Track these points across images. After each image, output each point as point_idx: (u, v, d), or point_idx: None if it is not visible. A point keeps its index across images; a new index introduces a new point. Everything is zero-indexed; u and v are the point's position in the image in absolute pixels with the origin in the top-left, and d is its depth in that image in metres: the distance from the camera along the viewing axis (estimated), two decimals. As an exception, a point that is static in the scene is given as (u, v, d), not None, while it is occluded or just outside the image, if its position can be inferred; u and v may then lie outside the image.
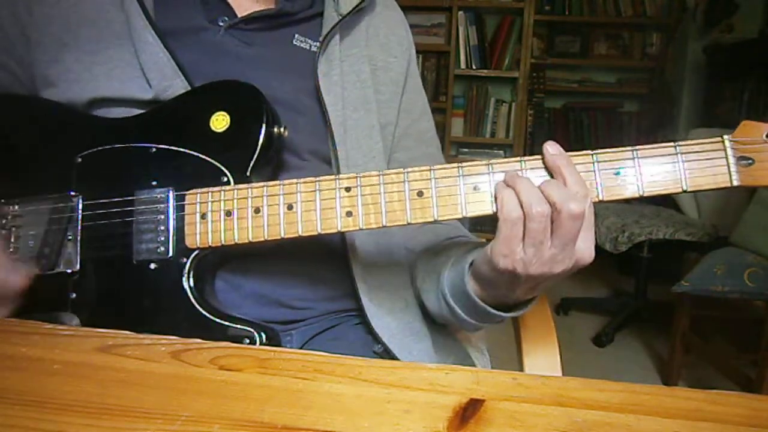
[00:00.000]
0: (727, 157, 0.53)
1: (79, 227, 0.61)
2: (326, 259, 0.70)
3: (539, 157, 0.55)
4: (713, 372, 1.97)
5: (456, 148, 3.49)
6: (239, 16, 0.68)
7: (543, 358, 0.71)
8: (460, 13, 3.24)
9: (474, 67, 3.31)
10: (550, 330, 0.74)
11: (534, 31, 3.23)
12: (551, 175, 0.54)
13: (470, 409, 0.37)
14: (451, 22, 3.26)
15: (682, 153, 0.53)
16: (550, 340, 0.73)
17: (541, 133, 3.21)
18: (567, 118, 3.43)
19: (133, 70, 0.64)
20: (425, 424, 0.35)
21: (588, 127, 3.41)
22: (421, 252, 0.75)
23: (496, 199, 0.53)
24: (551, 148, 0.53)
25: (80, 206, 0.61)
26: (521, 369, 0.70)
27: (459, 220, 0.57)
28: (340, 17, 0.69)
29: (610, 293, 2.88)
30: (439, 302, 0.65)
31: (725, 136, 0.53)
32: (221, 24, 0.68)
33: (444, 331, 0.82)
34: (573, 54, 3.37)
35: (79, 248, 0.61)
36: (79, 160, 0.62)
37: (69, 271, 0.60)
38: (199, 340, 0.46)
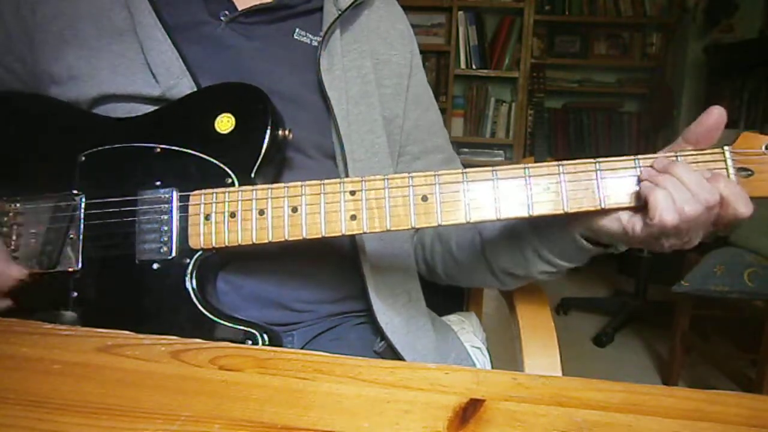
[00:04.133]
0: (727, 168, 0.53)
1: (81, 226, 0.61)
2: (332, 260, 0.70)
3: (543, 164, 0.54)
4: (713, 372, 1.97)
5: (456, 148, 3.45)
6: (240, 9, 0.68)
7: (543, 358, 0.71)
8: (460, 13, 3.24)
9: (474, 67, 3.30)
10: (550, 330, 0.74)
11: (534, 31, 3.23)
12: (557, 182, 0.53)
13: (470, 409, 0.37)
14: (451, 22, 3.25)
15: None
16: (550, 340, 0.73)
17: (541, 133, 3.21)
18: (567, 118, 3.42)
19: (138, 66, 0.64)
20: (425, 424, 0.35)
21: (588, 127, 3.40)
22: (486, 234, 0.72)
23: (647, 199, 0.51)
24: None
25: (83, 205, 0.61)
26: (521, 369, 0.70)
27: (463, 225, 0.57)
28: (339, 12, 0.69)
29: (610, 293, 2.88)
30: (522, 252, 0.65)
31: (725, 147, 0.53)
32: (222, 18, 0.68)
33: (445, 328, 0.82)
34: (573, 54, 3.36)
35: (80, 247, 0.61)
36: (83, 158, 0.63)
37: (70, 269, 0.61)
38: (199, 340, 0.46)
